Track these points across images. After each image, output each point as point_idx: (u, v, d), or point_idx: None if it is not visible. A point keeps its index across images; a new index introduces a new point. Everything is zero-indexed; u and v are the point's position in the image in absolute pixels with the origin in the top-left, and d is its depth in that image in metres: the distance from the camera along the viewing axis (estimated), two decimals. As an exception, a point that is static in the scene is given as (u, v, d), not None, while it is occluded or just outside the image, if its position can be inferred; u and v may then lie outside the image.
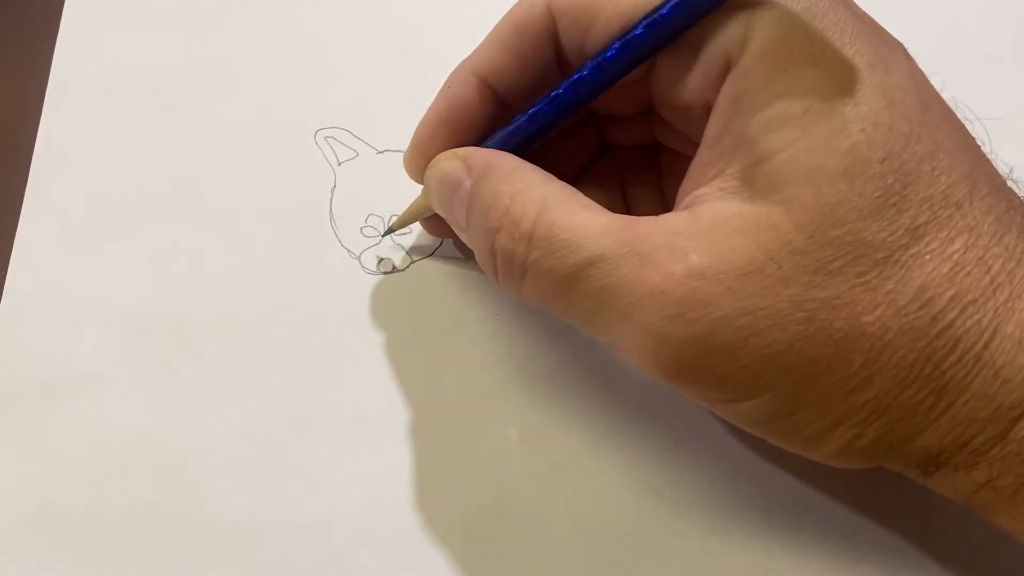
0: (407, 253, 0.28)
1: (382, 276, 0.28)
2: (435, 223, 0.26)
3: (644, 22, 0.20)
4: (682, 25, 0.20)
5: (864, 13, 0.21)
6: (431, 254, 0.28)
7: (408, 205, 0.26)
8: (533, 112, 0.22)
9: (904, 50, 0.21)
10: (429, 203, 0.25)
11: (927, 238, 0.18)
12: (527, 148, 0.23)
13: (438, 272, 0.28)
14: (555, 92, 0.22)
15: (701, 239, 0.19)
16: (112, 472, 0.24)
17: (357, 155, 0.30)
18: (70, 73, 0.31)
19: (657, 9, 0.20)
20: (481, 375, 0.26)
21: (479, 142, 0.24)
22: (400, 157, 0.26)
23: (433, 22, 0.33)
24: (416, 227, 0.28)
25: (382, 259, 0.28)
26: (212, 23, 0.32)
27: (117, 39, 0.32)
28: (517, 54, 0.23)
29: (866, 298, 0.18)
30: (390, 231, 0.28)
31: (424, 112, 0.25)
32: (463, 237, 0.24)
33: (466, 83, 0.24)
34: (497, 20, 0.24)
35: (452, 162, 0.23)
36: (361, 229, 0.28)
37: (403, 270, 0.28)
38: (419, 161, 0.25)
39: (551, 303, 0.21)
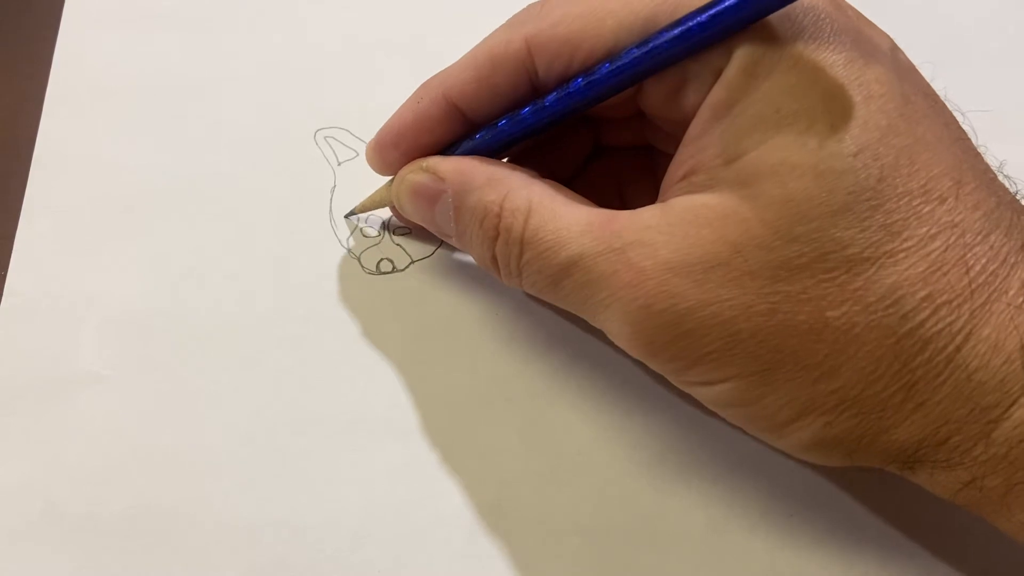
0: (407, 253, 0.28)
1: (382, 276, 0.28)
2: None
3: (608, 67, 0.21)
4: (646, 71, 0.21)
5: (848, 6, 0.21)
6: (431, 254, 0.28)
7: (370, 194, 0.27)
8: (500, 127, 0.23)
9: (890, 42, 0.20)
10: (399, 208, 0.26)
11: (904, 235, 0.18)
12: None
13: (438, 272, 0.28)
14: (520, 113, 0.23)
15: (670, 232, 0.20)
16: (112, 472, 0.24)
17: (357, 155, 0.30)
18: (70, 73, 0.31)
19: (618, 58, 0.21)
20: (481, 375, 0.26)
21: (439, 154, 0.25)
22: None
23: (433, 22, 0.33)
24: (416, 227, 0.28)
25: (382, 259, 0.28)
26: (212, 23, 0.32)
27: (117, 39, 0.32)
28: (490, 85, 0.23)
29: (832, 294, 0.18)
30: (351, 214, 0.28)
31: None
32: (451, 242, 0.25)
33: (435, 103, 0.24)
34: (497, 20, 0.23)
35: (421, 175, 0.24)
36: (361, 229, 0.28)
37: (403, 270, 0.28)
38: (377, 161, 0.26)
39: (547, 296, 0.23)
